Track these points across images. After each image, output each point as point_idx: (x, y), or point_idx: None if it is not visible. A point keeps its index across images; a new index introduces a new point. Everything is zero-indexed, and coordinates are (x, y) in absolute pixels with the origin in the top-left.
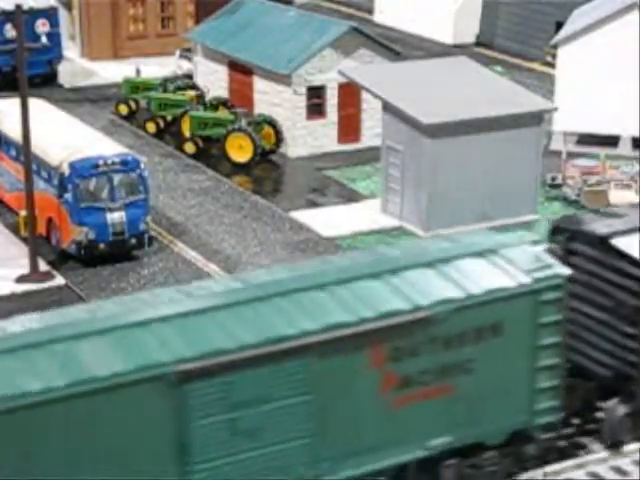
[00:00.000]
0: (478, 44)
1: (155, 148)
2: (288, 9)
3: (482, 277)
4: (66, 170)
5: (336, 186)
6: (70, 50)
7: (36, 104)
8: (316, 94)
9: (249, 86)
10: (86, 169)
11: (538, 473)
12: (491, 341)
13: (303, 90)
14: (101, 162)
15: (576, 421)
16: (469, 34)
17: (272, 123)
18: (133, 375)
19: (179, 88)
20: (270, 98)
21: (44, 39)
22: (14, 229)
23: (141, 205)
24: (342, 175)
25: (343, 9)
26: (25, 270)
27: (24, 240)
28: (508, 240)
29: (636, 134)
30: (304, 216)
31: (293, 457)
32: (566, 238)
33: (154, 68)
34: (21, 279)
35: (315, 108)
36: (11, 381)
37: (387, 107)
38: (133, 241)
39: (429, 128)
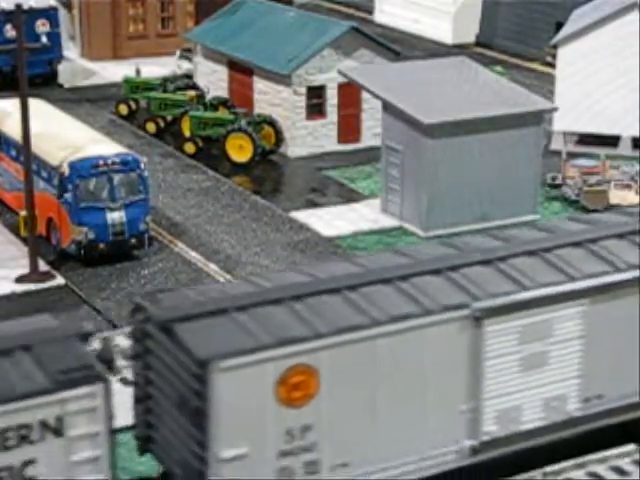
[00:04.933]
0: (478, 44)
1: (155, 148)
2: (288, 9)
3: None
4: (66, 170)
5: (336, 186)
6: (70, 50)
7: (36, 104)
8: (316, 94)
9: (249, 86)
10: (86, 169)
11: (538, 473)
12: None
13: (303, 90)
14: (101, 162)
15: None
16: (469, 34)
17: (272, 123)
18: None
19: (179, 88)
20: (270, 98)
21: (44, 39)
22: (14, 229)
23: (141, 205)
24: (342, 175)
25: (343, 9)
26: (25, 270)
27: (24, 240)
28: None
29: (636, 134)
30: (304, 216)
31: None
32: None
33: (154, 68)
34: (21, 279)
35: (315, 108)
36: None
37: (387, 107)
38: (133, 241)
39: (429, 128)
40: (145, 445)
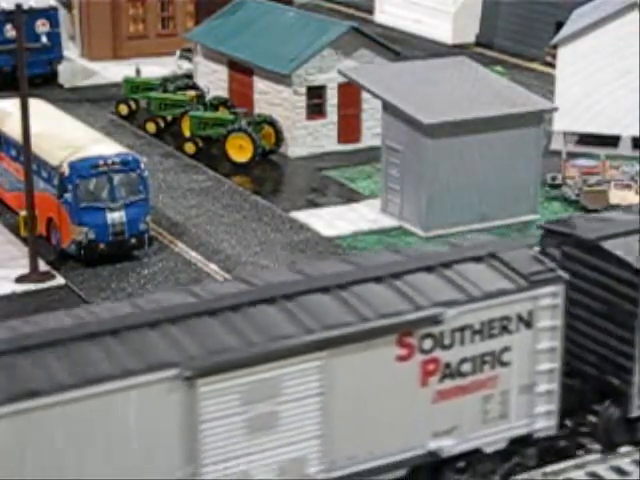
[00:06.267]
0: (478, 44)
1: (155, 148)
2: (288, 9)
3: None
4: (66, 170)
5: (336, 186)
6: (70, 50)
7: (36, 104)
8: (316, 94)
9: (249, 86)
10: (86, 169)
11: (538, 473)
12: None
13: (303, 90)
14: (101, 162)
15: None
16: (469, 34)
17: (272, 123)
18: None
19: (179, 88)
20: (270, 98)
21: (44, 39)
22: (14, 229)
23: (141, 205)
24: (342, 175)
25: (343, 9)
26: (25, 270)
27: (24, 240)
28: None
29: (636, 134)
30: (304, 216)
31: None
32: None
33: (154, 68)
34: (21, 279)
35: (315, 108)
36: None
37: (387, 107)
38: (133, 241)
39: (429, 128)
40: None
